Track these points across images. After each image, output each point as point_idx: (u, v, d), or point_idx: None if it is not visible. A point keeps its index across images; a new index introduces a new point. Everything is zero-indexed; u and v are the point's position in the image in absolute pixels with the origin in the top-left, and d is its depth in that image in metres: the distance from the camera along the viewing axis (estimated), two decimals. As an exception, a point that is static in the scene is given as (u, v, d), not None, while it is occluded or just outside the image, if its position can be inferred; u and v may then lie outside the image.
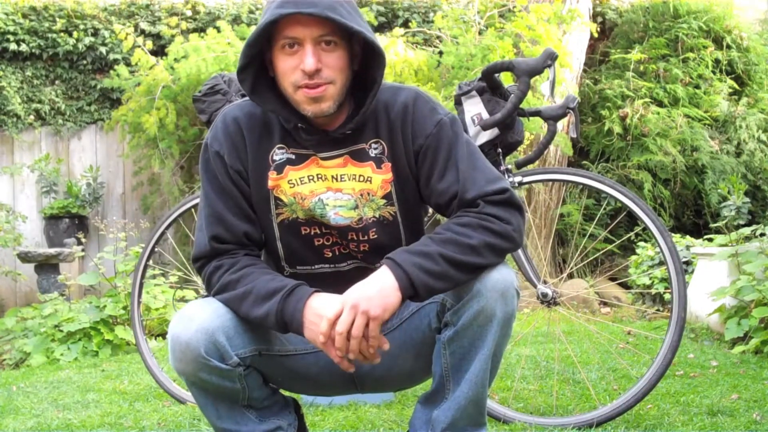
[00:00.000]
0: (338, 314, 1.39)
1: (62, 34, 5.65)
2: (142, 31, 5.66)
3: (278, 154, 1.55)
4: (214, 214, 1.56)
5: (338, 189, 1.55)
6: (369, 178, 1.55)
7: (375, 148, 1.55)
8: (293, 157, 1.55)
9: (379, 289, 1.40)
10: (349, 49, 1.50)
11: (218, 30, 5.10)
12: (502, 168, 2.20)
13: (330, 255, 1.61)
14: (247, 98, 1.59)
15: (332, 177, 1.55)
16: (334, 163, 1.55)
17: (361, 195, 1.56)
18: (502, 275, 1.49)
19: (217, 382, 1.50)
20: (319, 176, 1.55)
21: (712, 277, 3.67)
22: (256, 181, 1.56)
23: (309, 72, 1.43)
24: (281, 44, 1.46)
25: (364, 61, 1.53)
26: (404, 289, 1.40)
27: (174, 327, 1.48)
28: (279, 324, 1.45)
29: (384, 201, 1.56)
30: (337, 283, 1.51)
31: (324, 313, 1.41)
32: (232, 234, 1.56)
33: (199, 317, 1.47)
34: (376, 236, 1.58)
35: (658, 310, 4.45)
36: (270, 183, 1.55)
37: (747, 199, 4.48)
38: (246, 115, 1.57)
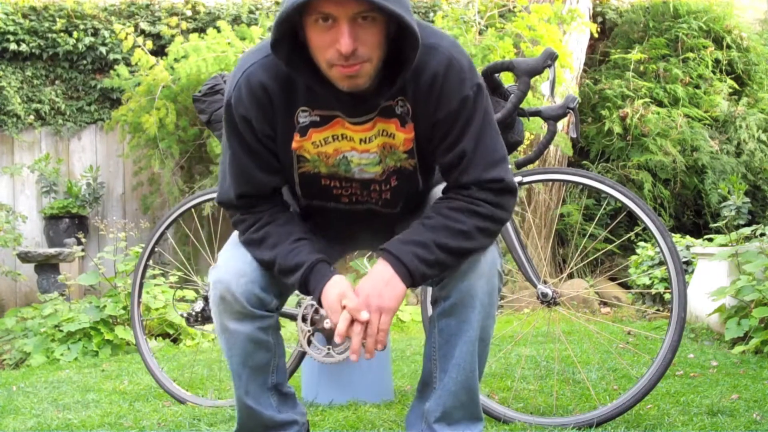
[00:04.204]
0: (358, 310, 1.47)
1: (62, 34, 5.65)
2: (142, 31, 5.66)
3: (302, 117, 1.54)
4: (243, 173, 1.58)
5: (365, 150, 1.56)
6: (393, 134, 1.55)
7: (401, 106, 1.53)
8: (317, 119, 1.53)
9: (386, 284, 1.48)
10: (386, 23, 1.42)
11: (218, 30, 5.09)
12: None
13: (347, 201, 1.65)
14: (266, 56, 1.51)
15: (360, 140, 1.55)
16: (362, 128, 1.54)
17: (384, 148, 1.56)
18: (486, 258, 1.56)
19: (255, 336, 1.58)
20: (344, 136, 1.55)
21: (712, 277, 3.67)
22: (283, 141, 1.56)
23: (345, 54, 1.37)
24: (314, 18, 1.38)
25: (398, 36, 1.45)
26: (404, 278, 1.48)
27: (216, 276, 1.55)
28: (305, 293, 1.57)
29: (405, 156, 1.58)
30: (350, 219, 1.68)
31: (343, 313, 1.48)
32: (259, 189, 1.60)
33: (240, 268, 1.56)
34: (396, 183, 1.61)
35: (658, 310, 4.45)
36: (294, 144, 1.55)
37: (747, 199, 4.48)
38: (271, 78, 1.51)
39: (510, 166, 2.25)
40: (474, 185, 1.52)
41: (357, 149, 1.55)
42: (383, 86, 1.47)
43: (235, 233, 1.65)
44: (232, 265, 1.57)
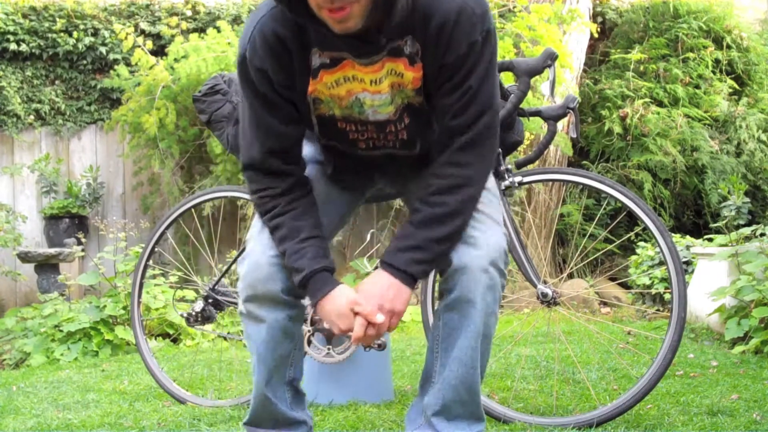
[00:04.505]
0: (373, 314, 1.52)
1: (62, 34, 5.64)
2: (142, 31, 5.66)
3: (314, 60, 1.54)
4: (264, 127, 1.59)
5: (376, 91, 1.56)
6: (401, 74, 1.55)
7: (410, 46, 1.52)
8: (327, 61, 1.54)
9: (394, 291, 1.54)
10: None
11: (218, 30, 5.09)
12: (503, 168, 2.20)
13: (363, 146, 1.67)
14: (274, 8, 1.53)
15: (370, 81, 1.55)
16: (371, 69, 1.54)
17: (393, 87, 1.56)
18: (489, 252, 1.57)
19: (284, 324, 1.62)
20: (354, 77, 1.55)
21: (712, 277, 3.67)
22: (300, 86, 1.57)
23: None
24: None
25: None
26: (409, 284, 1.54)
27: (248, 264, 1.60)
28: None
29: (414, 93, 1.57)
30: (369, 163, 1.72)
31: (357, 318, 1.54)
32: (282, 143, 1.61)
33: (271, 255, 1.59)
34: (409, 120, 1.61)
35: (658, 310, 4.45)
36: (309, 88, 1.56)
37: (747, 199, 4.48)
38: (283, 26, 1.52)
39: (510, 167, 2.26)
40: (456, 136, 1.55)
41: (369, 90, 1.56)
42: (384, 24, 1.46)
43: (258, 219, 1.67)
44: (264, 252, 1.60)
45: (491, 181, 1.70)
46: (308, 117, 1.62)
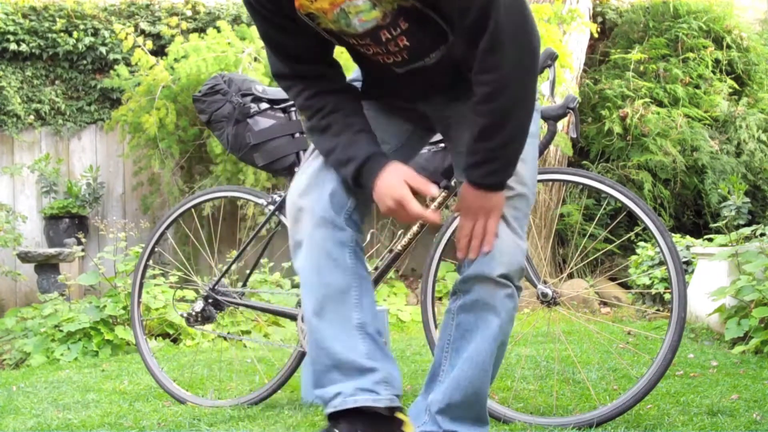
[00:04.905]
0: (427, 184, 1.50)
1: (62, 34, 5.65)
2: (142, 31, 5.66)
3: None
4: (276, 45, 1.58)
5: None
6: None
7: None
8: None
9: (480, 200, 1.53)
10: None
11: (218, 30, 5.10)
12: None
13: (381, 62, 1.58)
14: None
15: None
16: None
17: None
18: (509, 265, 1.57)
19: (328, 247, 1.52)
20: None
21: (712, 277, 3.67)
22: (286, 2, 1.52)
23: None
24: None
25: None
26: (496, 188, 1.52)
27: (292, 190, 1.57)
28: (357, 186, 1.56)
29: None
30: (401, 87, 1.62)
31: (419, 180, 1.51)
32: (300, 54, 1.58)
33: (317, 179, 1.56)
34: (408, 25, 1.50)
35: (658, 310, 4.45)
36: (295, 3, 1.51)
37: (747, 199, 4.48)
38: None
39: None
40: (477, 31, 1.42)
41: None
42: None
43: (308, 157, 1.64)
44: (309, 179, 1.57)
45: (534, 126, 1.59)
46: (315, 31, 1.56)
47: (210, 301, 2.57)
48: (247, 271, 2.70)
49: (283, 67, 1.60)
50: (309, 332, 1.54)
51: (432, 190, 1.49)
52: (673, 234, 4.68)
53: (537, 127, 1.72)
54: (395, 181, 1.49)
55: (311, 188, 1.56)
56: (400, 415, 1.52)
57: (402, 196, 1.48)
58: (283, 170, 2.47)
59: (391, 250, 2.29)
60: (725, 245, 3.80)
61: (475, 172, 1.51)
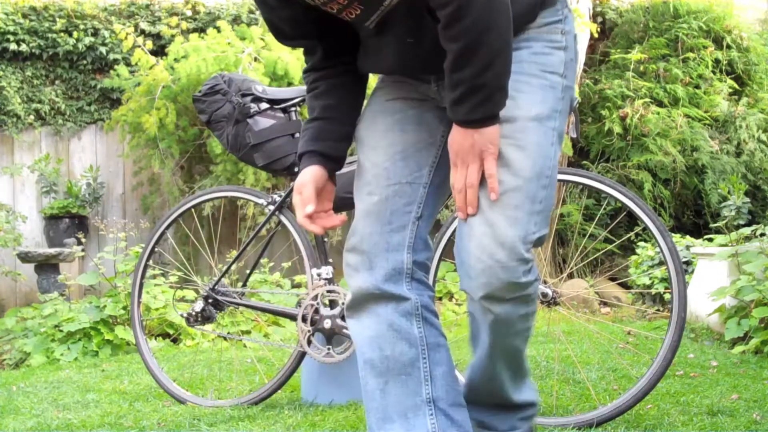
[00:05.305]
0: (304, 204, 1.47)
1: (62, 34, 5.65)
2: (142, 31, 5.66)
3: None
4: (270, 19, 1.53)
5: None
6: None
7: None
8: None
9: (470, 140, 1.36)
10: None
11: (218, 30, 5.10)
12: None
13: (348, 18, 1.44)
14: None
15: None
16: None
17: None
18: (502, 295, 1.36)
19: (391, 320, 1.43)
20: None
21: (712, 277, 3.67)
22: None
23: None
24: None
25: None
26: (488, 120, 1.35)
27: (348, 247, 1.47)
28: None
29: None
30: (392, 42, 1.45)
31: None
32: (295, 28, 1.50)
33: (375, 235, 1.46)
34: None
35: (658, 310, 4.45)
36: None
37: (747, 199, 4.48)
38: None
39: None
40: None
41: None
42: None
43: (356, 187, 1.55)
44: (362, 228, 1.46)
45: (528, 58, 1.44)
46: (300, 6, 1.46)
47: (210, 301, 2.57)
48: (247, 271, 2.71)
49: (292, 41, 1.58)
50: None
51: (308, 210, 1.45)
52: (673, 234, 4.68)
53: (562, 89, 1.47)
54: (296, 184, 1.49)
55: (363, 243, 1.44)
56: None
57: (296, 203, 1.48)
58: (283, 170, 2.47)
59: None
60: (725, 245, 3.80)
61: (460, 110, 1.34)
